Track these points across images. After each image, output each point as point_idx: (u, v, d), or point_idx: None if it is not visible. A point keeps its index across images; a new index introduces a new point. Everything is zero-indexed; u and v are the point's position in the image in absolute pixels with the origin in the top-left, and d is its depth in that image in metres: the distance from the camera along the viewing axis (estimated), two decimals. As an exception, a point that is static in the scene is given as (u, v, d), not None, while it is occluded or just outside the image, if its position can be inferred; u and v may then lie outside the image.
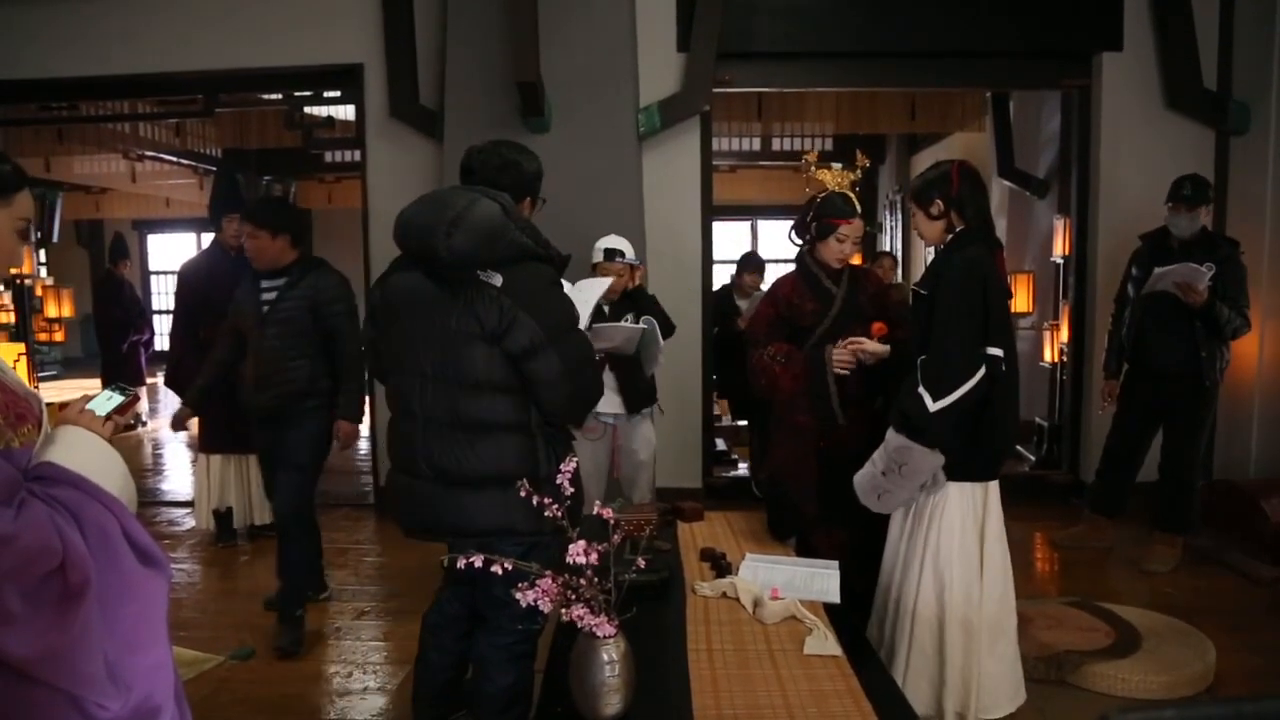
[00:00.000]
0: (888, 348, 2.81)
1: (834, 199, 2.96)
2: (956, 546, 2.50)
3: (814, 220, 2.97)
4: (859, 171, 3.05)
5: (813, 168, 3.03)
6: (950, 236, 2.58)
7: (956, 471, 2.49)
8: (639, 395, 3.83)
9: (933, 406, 2.38)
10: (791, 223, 3.14)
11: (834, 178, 3.01)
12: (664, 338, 3.69)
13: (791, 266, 3.15)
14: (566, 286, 2.36)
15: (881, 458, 2.52)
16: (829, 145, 8.32)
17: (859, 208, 2.97)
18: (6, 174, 1.33)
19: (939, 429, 2.40)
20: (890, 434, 2.49)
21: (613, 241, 3.78)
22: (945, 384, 2.39)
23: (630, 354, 3.53)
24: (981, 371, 2.40)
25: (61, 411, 1.31)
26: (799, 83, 5.56)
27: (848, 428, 2.90)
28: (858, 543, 2.82)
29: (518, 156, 2.34)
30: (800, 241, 3.08)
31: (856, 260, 3.21)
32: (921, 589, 2.53)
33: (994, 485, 2.57)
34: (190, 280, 4.51)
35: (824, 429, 2.91)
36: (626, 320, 3.67)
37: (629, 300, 3.81)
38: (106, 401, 1.37)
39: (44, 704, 1.15)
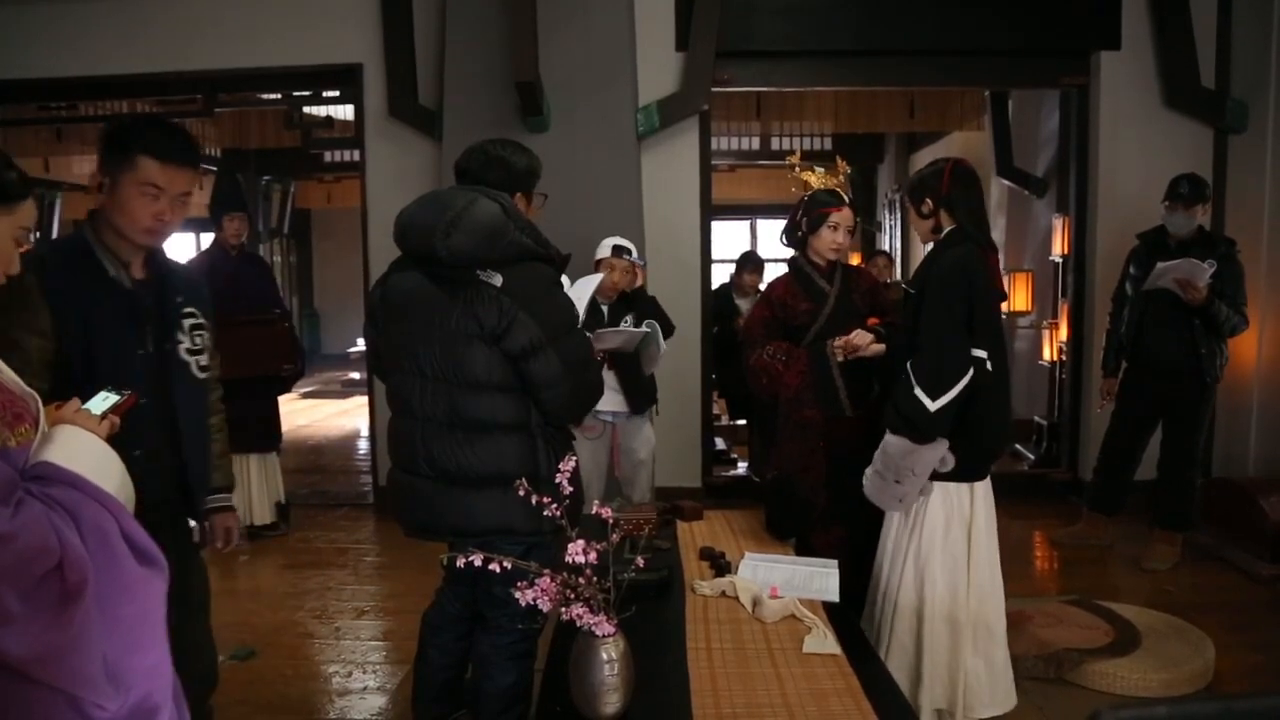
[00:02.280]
0: (883, 347, 2.81)
1: (820, 193, 3.00)
2: (939, 545, 2.50)
3: (804, 216, 2.99)
4: (842, 177, 3.09)
5: (796, 168, 3.07)
6: (940, 235, 2.58)
7: (942, 472, 2.49)
8: (642, 395, 3.83)
9: (933, 406, 2.38)
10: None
11: (818, 179, 3.05)
12: (664, 338, 3.69)
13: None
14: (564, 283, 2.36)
15: (891, 469, 2.49)
16: (828, 144, 8.32)
17: (846, 197, 3.00)
18: (12, 182, 1.32)
19: (942, 426, 2.40)
20: (891, 440, 2.47)
21: (621, 240, 3.79)
22: (943, 383, 2.38)
23: (630, 352, 3.54)
24: (971, 370, 2.40)
25: (58, 411, 1.31)
26: (798, 81, 5.56)
27: (848, 421, 2.90)
28: (857, 540, 2.82)
29: (503, 152, 2.32)
30: (790, 243, 3.09)
31: (856, 259, 3.22)
32: (903, 585, 2.54)
33: (981, 485, 2.57)
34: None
35: (829, 423, 2.91)
36: (626, 321, 3.68)
37: (627, 302, 3.81)
38: (102, 401, 1.37)
39: (42, 704, 1.14)
